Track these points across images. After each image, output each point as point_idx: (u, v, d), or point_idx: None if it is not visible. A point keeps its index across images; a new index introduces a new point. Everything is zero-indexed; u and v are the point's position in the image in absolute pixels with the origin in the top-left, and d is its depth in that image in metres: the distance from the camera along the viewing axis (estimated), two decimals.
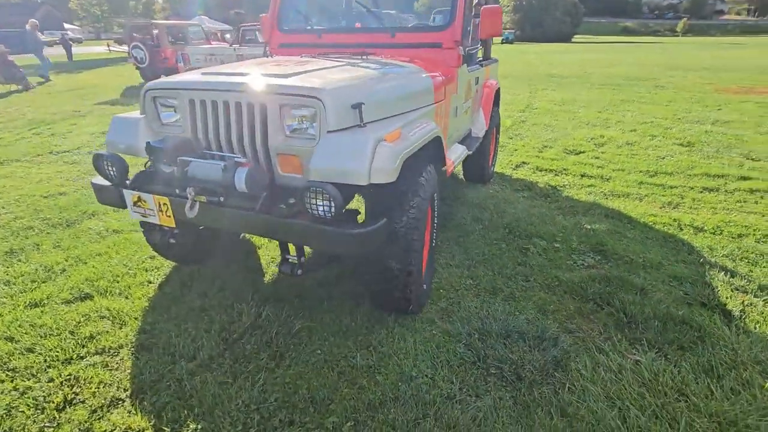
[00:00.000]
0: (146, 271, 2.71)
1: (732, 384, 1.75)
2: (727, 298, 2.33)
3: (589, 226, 3.25)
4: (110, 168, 2.09)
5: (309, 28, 3.20)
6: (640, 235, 3.12)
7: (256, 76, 1.94)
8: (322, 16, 3.40)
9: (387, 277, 1.97)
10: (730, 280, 2.49)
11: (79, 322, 2.21)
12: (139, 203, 2.07)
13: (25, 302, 2.37)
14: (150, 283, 2.58)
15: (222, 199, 1.88)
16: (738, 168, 4.48)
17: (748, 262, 2.70)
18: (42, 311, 2.30)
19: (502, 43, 36.04)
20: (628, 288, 2.40)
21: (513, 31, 40.14)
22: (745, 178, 4.18)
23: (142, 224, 2.54)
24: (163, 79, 2.14)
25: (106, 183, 2.18)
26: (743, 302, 2.28)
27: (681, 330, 2.06)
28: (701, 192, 3.92)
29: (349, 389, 1.76)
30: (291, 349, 2.00)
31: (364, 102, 1.84)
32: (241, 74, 1.99)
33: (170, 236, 2.25)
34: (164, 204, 2.00)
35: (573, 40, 43.11)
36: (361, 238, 1.68)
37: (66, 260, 2.83)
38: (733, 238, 3.04)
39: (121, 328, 2.18)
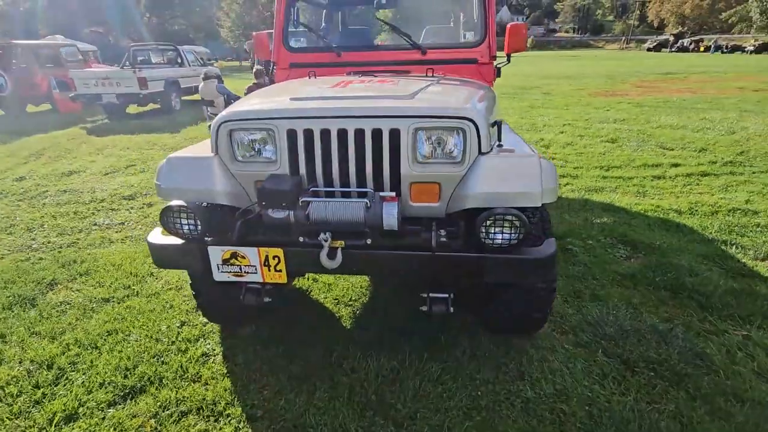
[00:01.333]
0: (190, 341, 2.19)
1: None
2: (754, 266, 2.74)
3: (597, 221, 3.55)
4: (190, 221, 1.65)
5: (324, 46, 2.95)
6: (641, 222, 3.51)
7: (374, 99, 1.72)
8: (334, 34, 3.17)
9: (531, 298, 1.89)
10: (742, 251, 2.94)
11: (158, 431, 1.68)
12: (232, 261, 1.68)
13: (47, 420, 1.72)
14: (210, 355, 2.09)
15: (369, 241, 1.61)
16: (663, 157, 5.34)
17: (738, 234, 3.22)
18: (85, 428, 1.70)
19: None
20: (681, 272, 2.67)
21: None
22: (675, 165, 5.00)
23: (197, 289, 2.06)
24: (243, 108, 1.77)
25: (173, 241, 1.72)
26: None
27: (750, 300, 2.36)
28: (653, 180, 4.58)
29: (546, 426, 1.64)
30: (446, 397, 1.79)
31: (499, 120, 1.75)
32: (351, 98, 1.74)
33: (266, 295, 1.86)
34: (275, 257, 1.64)
35: None
36: (545, 263, 1.58)
37: (66, 350, 2.14)
38: (708, 215, 3.59)
39: (221, 422, 1.71)
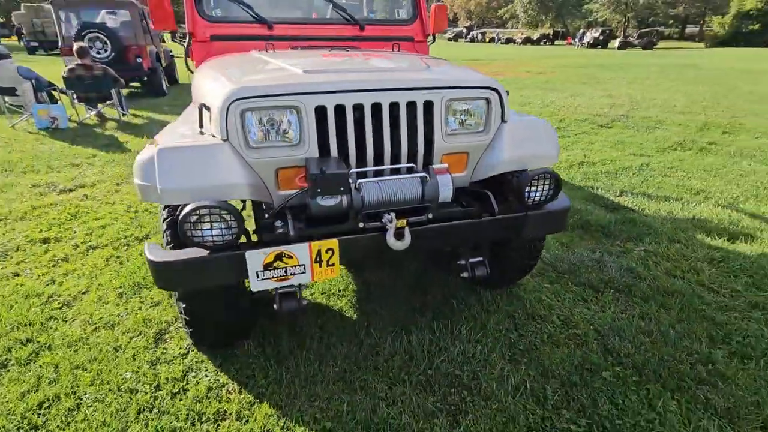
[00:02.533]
0: (178, 380, 1.76)
1: None
2: (618, 201, 3.62)
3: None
4: (222, 225, 1.34)
5: (253, 16, 2.58)
6: None
7: (404, 71, 1.66)
8: (258, 3, 2.76)
9: (534, 248, 2.12)
10: (605, 191, 3.84)
11: None
12: (276, 264, 1.44)
13: None
14: (218, 387, 1.73)
15: (431, 215, 1.58)
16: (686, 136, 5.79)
17: (594, 180, 4.17)
18: None
19: None
20: (581, 213, 3.35)
21: None
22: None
23: (201, 310, 1.67)
24: (259, 83, 1.47)
25: (194, 253, 1.37)
26: None
27: (632, 225, 3.14)
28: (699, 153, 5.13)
29: (577, 349, 1.93)
30: (488, 351, 1.91)
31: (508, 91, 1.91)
32: (381, 70, 1.64)
33: (302, 299, 1.63)
34: (328, 250, 1.48)
35: None
36: (566, 214, 1.83)
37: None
38: (567, 169, 4.54)
39: None
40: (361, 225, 1.52)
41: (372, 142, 1.57)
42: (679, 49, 35.04)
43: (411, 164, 1.61)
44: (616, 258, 2.70)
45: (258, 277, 1.43)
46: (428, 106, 1.61)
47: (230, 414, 1.61)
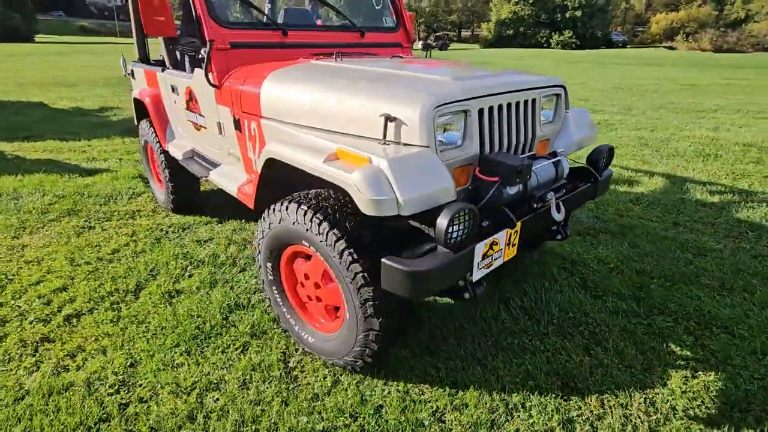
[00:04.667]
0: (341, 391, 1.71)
1: None
2: None
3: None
4: (463, 225, 1.43)
5: (269, 22, 2.41)
6: None
7: (520, 76, 1.95)
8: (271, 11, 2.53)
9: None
10: None
11: None
12: (488, 252, 1.63)
13: None
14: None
15: (565, 190, 1.92)
16: None
17: None
18: None
19: None
20: None
21: None
22: None
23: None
24: (448, 90, 1.57)
25: (445, 257, 1.44)
26: None
27: None
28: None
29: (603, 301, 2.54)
30: (527, 348, 2.37)
31: None
32: (504, 74, 1.90)
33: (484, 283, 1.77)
34: (515, 233, 1.71)
35: (37, 40, 36.48)
36: (609, 180, 2.40)
37: None
38: None
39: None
40: (535, 206, 1.77)
41: (513, 135, 1.83)
42: (465, 49, 42.23)
43: (532, 152, 1.93)
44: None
45: (478, 267, 1.56)
46: (533, 102, 1.95)
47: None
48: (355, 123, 1.63)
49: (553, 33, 44.95)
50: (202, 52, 2.25)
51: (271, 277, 2.01)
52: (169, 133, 3.18)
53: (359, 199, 1.38)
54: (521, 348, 2.01)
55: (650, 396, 1.75)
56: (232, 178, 2.39)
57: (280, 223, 1.77)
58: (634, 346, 2.01)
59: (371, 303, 1.57)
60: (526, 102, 1.89)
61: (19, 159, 4.81)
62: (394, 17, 3.08)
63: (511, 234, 1.68)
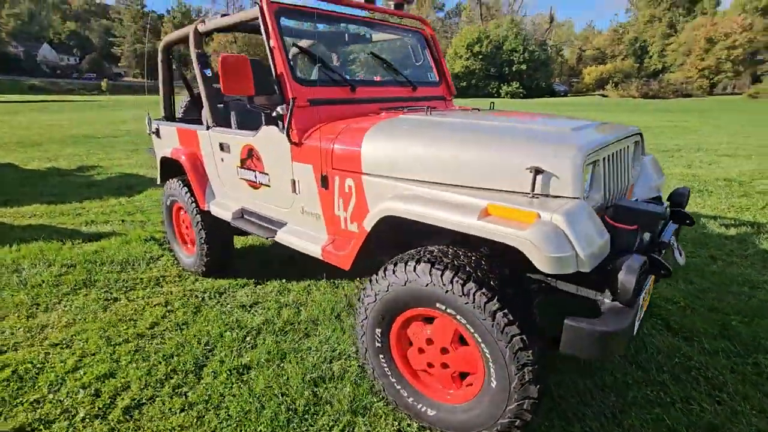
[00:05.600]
0: None
1: None
2: None
3: None
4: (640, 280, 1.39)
5: (340, 80, 2.39)
6: None
7: (619, 126, 2.01)
8: (334, 68, 2.51)
9: None
10: None
11: None
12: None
13: None
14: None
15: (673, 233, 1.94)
16: None
17: None
18: None
19: None
20: None
21: None
22: None
23: None
24: (589, 140, 1.57)
25: (631, 311, 1.37)
26: None
27: None
28: None
29: None
30: None
31: None
32: (608, 126, 1.96)
33: None
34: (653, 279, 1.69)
35: None
36: None
37: None
38: None
39: None
40: (662, 251, 1.76)
41: (620, 180, 1.86)
42: None
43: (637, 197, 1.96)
44: None
45: (638, 319, 1.50)
46: (627, 149, 2.01)
47: None
48: (495, 177, 1.58)
49: (502, 84, 48.46)
50: (279, 109, 2.18)
51: (378, 345, 1.83)
52: (209, 192, 2.99)
53: (537, 257, 1.30)
54: (647, 400, 1.91)
55: None
56: (310, 237, 2.24)
57: (405, 285, 1.64)
58: (755, 388, 1.97)
59: (530, 368, 1.45)
60: (625, 149, 1.94)
61: (5, 226, 4.35)
62: (436, 72, 3.17)
63: (653, 281, 1.65)
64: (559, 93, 51.55)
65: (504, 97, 46.31)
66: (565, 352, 1.36)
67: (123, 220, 4.56)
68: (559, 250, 1.28)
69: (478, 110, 2.50)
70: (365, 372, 2.16)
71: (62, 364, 2.25)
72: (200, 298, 2.97)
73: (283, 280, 3.18)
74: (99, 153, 8.92)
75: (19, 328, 2.58)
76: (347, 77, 2.43)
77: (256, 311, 2.79)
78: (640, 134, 2.20)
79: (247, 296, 2.98)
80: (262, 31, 2.20)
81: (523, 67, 48.03)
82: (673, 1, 53.52)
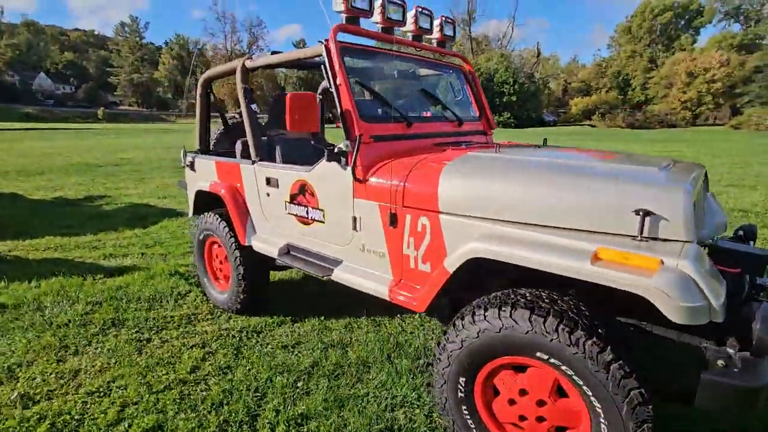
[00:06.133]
0: None
1: None
2: None
3: None
4: None
5: (399, 116, 2.37)
6: None
7: (680, 160, 1.99)
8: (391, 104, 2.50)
9: None
10: None
11: None
12: None
13: None
14: None
15: None
16: None
17: None
18: None
19: None
20: None
21: None
22: None
23: None
24: (685, 182, 1.53)
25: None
26: None
27: None
28: None
29: None
30: None
31: None
32: (674, 160, 1.94)
33: None
34: None
35: None
36: None
37: None
38: None
39: None
40: (759, 294, 1.70)
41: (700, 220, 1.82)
42: None
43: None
44: None
45: None
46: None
47: None
48: (597, 219, 1.52)
49: (494, 114, 49.58)
50: (341, 146, 2.13)
51: (462, 395, 1.72)
52: (250, 227, 2.90)
53: (667, 306, 1.23)
54: None
55: None
56: (374, 277, 2.15)
57: (500, 332, 1.55)
58: None
59: (650, 425, 1.35)
60: (701, 187, 1.92)
61: (21, 260, 4.18)
62: (476, 107, 3.18)
63: None
64: (549, 123, 52.93)
65: (497, 127, 47.39)
66: (699, 407, 1.28)
67: (143, 254, 4.41)
68: (691, 299, 1.22)
69: (538, 146, 2.49)
70: (432, 420, 2.04)
71: (103, 415, 2.09)
72: (238, 338, 2.82)
73: (321, 318, 3.06)
74: (104, 182, 8.80)
75: (50, 374, 2.41)
76: (400, 113, 2.42)
77: (300, 352, 2.65)
78: (705, 169, 2.19)
79: (287, 335, 2.85)
80: (327, 69, 2.18)
81: (514, 98, 49.38)
82: (652, 38, 56.05)
